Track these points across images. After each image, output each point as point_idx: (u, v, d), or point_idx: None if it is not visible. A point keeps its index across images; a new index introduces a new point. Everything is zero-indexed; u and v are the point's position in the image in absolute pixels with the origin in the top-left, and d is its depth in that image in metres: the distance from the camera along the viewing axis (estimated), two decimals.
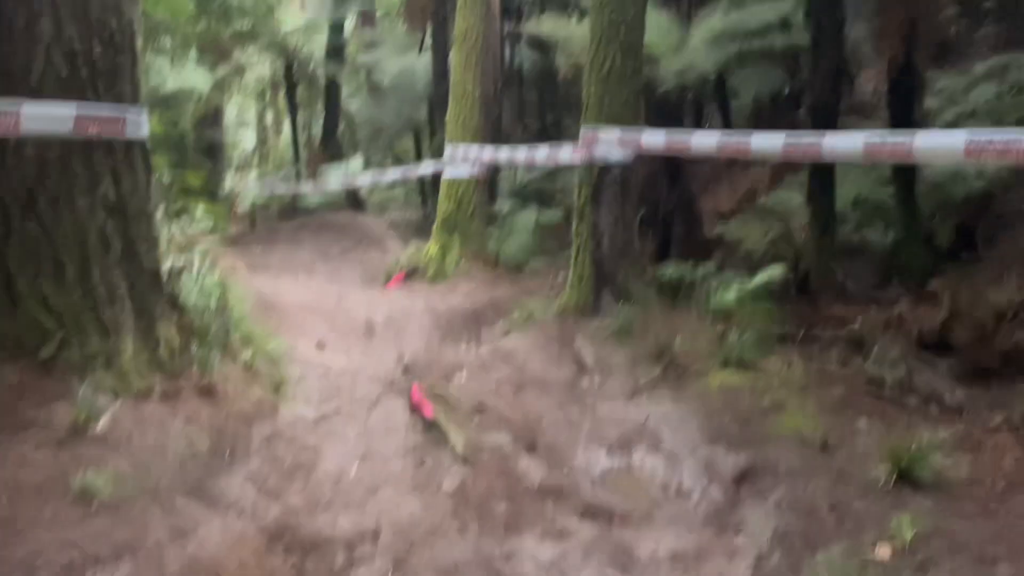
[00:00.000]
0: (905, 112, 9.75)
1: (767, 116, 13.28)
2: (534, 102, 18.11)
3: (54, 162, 5.93)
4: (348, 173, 19.78)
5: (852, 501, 5.06)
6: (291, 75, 24.11)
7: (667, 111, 11.10)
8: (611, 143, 9.50)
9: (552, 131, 17.20)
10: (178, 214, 9.79)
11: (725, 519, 5.23)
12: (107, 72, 6.23)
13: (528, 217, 14.30)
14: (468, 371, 7.87)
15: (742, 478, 5.61)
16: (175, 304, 6.72)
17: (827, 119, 9.56)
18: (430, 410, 6.73)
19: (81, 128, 5.89)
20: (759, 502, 5.34)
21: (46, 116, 5.74)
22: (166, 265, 6.91)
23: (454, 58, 15.33)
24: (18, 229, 5.91)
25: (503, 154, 13.07)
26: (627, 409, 6.97)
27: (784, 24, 11.29)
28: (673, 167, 11.07)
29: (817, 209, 9.99)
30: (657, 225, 10.78)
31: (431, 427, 6.51)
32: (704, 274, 9.49)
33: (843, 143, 7.35)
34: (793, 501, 5.23)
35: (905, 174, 9.61)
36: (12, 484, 4.82)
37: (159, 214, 7.19)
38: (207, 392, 6.29)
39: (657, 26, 10.76)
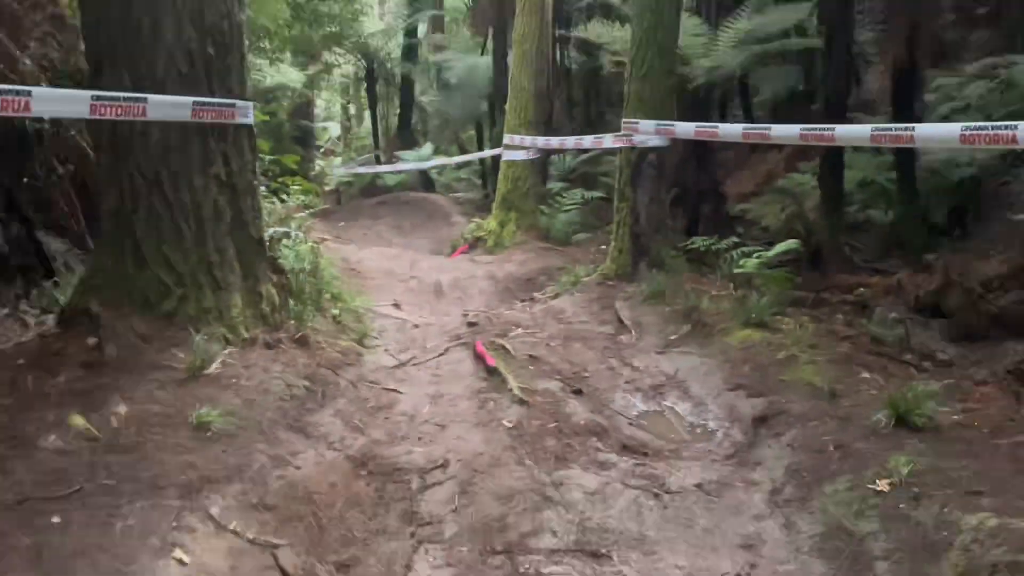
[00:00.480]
0: (907, 107, 9.68)
1: (784, 110, 13.21)
2: (581, 97, 17.97)
3: (175, 145, 6.01)
4: (420, 157, 19.82)
5: (855, 442, 5.04)
6: (372, 73, 24.17)
7: (697, 105, 11.02)
8: (649, 132, 9.48)
9: (597, 123, 17.14)
10: (276, 191, 9.85)
11: (744, 456, 5.26)
12: (219, 69, 6.31)
13: (575, 196, 14.27)
14: (523, 327, 7.89)
15: (760, 421, 5.61)
16: (275, 267, 6.81)
17: (838, 113, 9.51)
18: (491, 359, 6.76)
19: (197, 116, 5.96)
20: (774, 441, 5.34)
21: (168, 104, 5.80)
22: (268, 234, 6.97)
23: (513, 59, 15.29)
24: (144, 202, 6.01)
25: (554, 141, 13.03)
26: (659, 361, 6.98)
27: (800, 28, 11.19)
28: (701, 154, 11.02)
29: (827, 190, 9.94)
30: (687, 204, 10.73)
31: (492, 374, 6.53)
32: (727, 246, 9.45)
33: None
34: (804, 441, 5.21)
35: (905, 161, 9.56)
36: (140, 417, 4.91)
37: (262, 190, 7.26)
38: (302, 342, 6.38)
39: (689, 30, 10.69)
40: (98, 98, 5.31)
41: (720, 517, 4.54)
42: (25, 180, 7.10)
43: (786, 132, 8.47)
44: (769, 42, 11.12)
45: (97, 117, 5.47)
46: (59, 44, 7.57)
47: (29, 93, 5.00)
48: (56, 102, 5.52)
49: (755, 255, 8.77)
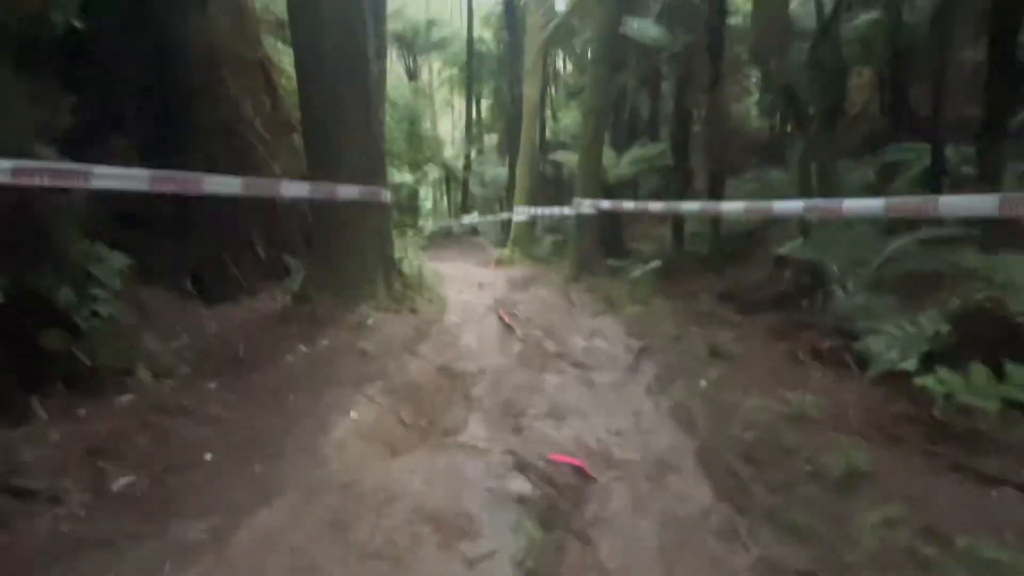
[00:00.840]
0: (718, 197, 9.60)
1: (654, 196, 13.12)
2: (552, 188, 17.88)
3: (353, 211, 6.01)
4: (471, 218, 19.81)
5: (690, 363, 5.05)
6: (448, 176, 24.16)
7: (610, 191, 10.97)
8: (586, 205, 9.49)
9: (562, 200, 17.11)
10: (400, 234, 9.86)
11: (634, 368, 5.24)
12: (374, 170, 6.32)
13: (548, 238, 14.27)
14: (523, 304, 7.91)
15: (641, 351, 5.60)
16: (400, 272, 6.82)
17: (679, 199, 9.45)
18: (508, 319, 6.80)
19: (363, 196, 5.99)
20: (648, 361, 5.34)
21: (348, 190, 5.85)
22: (396, 256, 7.01)
23: (518, 168, 15.30)
24: (336, 240, 6.03)
25: (540, 210, 13.09)
26: (591, 321, 6.98)
27: (663, 155, 11.10)
28: (613, 217, 10.98)
29: (675, 236, 9.93)
30: (605, 242, 10.68)
31: (507, 327, 6.55)
32: (626, 264, 9.46)
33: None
34: (663, 362, 5.22)
35: (715, 221, 9.37)
36: (333, 347, 4.96)
37: (394, 233, 7.30)
38: (412, 311, 6.37)
39: (607, 154, 10.68)
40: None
41: (620, 398, 4.55)
42: (273, 226, 7.16)
43: (657, 207, 8.48)
44: (647, 161, 11.11)
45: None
46: (293, 158, 7.62)
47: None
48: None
49: (639, 268, 8.80)
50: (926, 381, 3.46)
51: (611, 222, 10.81)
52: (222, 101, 6.65)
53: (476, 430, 3.89)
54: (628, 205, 9.72)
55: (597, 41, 10.22)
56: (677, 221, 9.89)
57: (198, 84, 6.31)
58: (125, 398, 3.61)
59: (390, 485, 2.95)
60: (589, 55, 12.54)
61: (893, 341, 4.05)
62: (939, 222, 4.91)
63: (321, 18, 5.77)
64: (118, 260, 4.03)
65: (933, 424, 3.44)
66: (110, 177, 3.59)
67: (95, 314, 3.71)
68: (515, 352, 5.66)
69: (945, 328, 3.86)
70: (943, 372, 3.43)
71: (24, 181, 3.12)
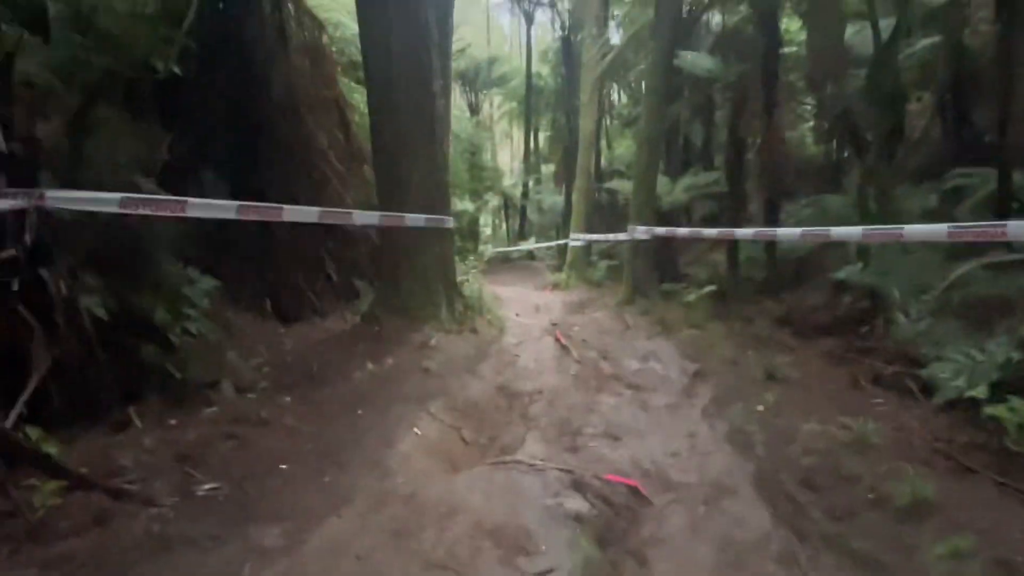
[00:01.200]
0: (773, 221, 9.37)
1: (708, 223, 12.87)
2: (607, 215, 17.75)
3: (420, 236, 6.11)
4: (528, 244, 19.90)
5: (746, 386, 4.93)
6: (506, 204, 24.42)
7: (664, 217, 10.81)
8: (641, 231, 9.43)
9: (616, 227, 16.99)
10: (462, 259, 9.99)
11: (689, 391, 5.12)
12: (438, 199, 6.43)
13: (604, 263, 14.18)
14: (578, 326, 7.87)
15: (696, 374, 5.47)
16: (461, 295, 6.88)
17: (728, 225, 9.25)
18: (564, 340, 6.76)
19: (428, 223, 6.12)
20: (704, 384, 5.22)
21: (414, 218, 5.98)
22: (458, 279, 7.09)
23: (574, 196, 15.34)
24: (404, 263, 6.15)
25: (595, 236, 13.04)
26: (646, 343, 6.85)
27: (717, 182, 10.85)
28: (667, 242, 10.81)
29: (730, 259, 9.73)
30: (660, 266, 10.50)
31: (563, 348, 6.50)
32: (680, 288, 9.31)
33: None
34: (719, 385, 5.09)
35: (770, 245, 9.11)
36: (398, 365, 5.05)
37: (456, 258, 7.40)
38: (473, 332, 6.42)
39: (661, 181, 10.58)
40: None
41: (676, 420, 4.45)
42: (344, 251, 7.36)
43: (711, 233, 8.33)
44: (701, 188, 10.93)
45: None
46: (363, 187, 7.85)
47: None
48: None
49: (693, 293, 8.64)
50: (997, 410, 3.28)
51: (665, 247, 10.67)
52: (300, 136, 6.97)
53: (533, 448, 3.88)
54: (682, 231, 9.59)
55: (651, 73, 10.21)
56: (732, 246, 9.68)
57: (279, 121, 6.63)
58: (211, 410, 3.78)
59: (452, 499, 2.98)
60: (643, 86, 12.53)
61: (960, 368, 3.85)
62: (1007, 247, 4.65)
63: (391, 59, 5.99)
64: (207, 282, 4.26)
65: (1004, 454, 3.23)
66: (203, 207, 3.82)
67: (186, 331, 3.91)
68: (571, 373, 5.62)
69: (1017, 355, 3.64)
70: (1015, 401, 3.24)
71: (130, 211, 3.35)
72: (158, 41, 4.38)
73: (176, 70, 4.49)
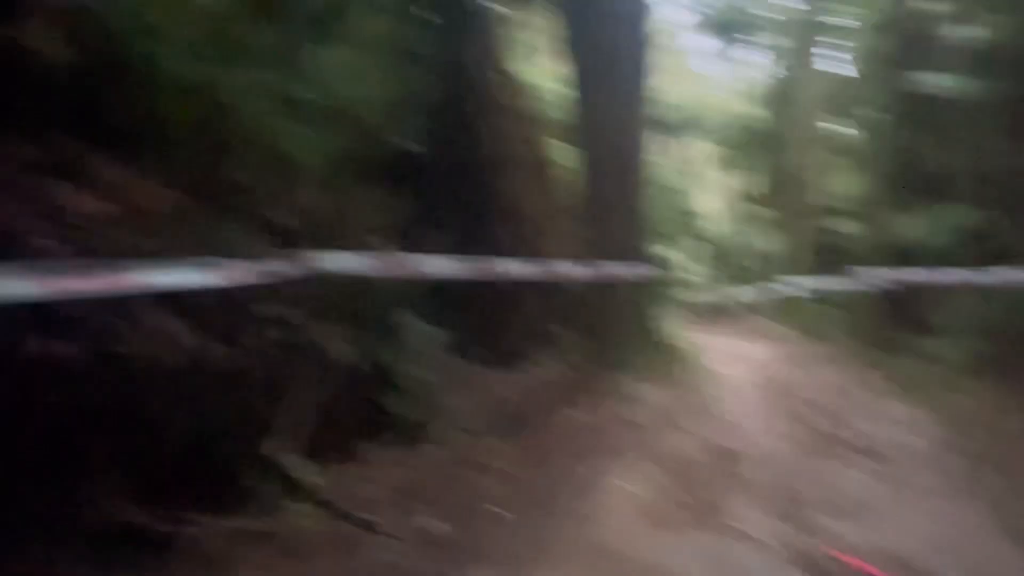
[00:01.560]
0: None
1: (957, 264, 10.98)
2: (830, 260, 16.07)
3: (619, 285, 6.24)
4: (740, 290, 18.76)
5: (1020, 466, 4.07)
6: (715, 250, 23.39)
7: (901, 259, 9.49)
8: (872, 275, 8.43)
9: (842, 270, 15.36)
10: (667, 307, 9.78)
11: (942, 465, 4.33)
12: (638, 248, 6.50)
13: (827, 311, 12.82)
14: (795, 381, 7.21)
15: (953, 446, 4.63)
16: (666, 344, 6.74)
17: None
18: (775, 395, 6.29)
19: (629, 272, 6.19)
20: (965, 458, 4.36)
21: (615, 267, 6.10)
22: (661, 328, 6.96)
23: (789, 240, 14.32)
24: (603, 313, 6.29)
25: (816, 281, 11.92)
26: (884, 404, 5.97)
27: (968, 215, 9.25)
28: (909, 289, 9.45)
29: (999, 308, 8.20)
30: (898, 312, 9.18)
31: (774, 403, 6.05)
32: (926, 341, 8.02)
33: None
34: (987, 461, 4.23)
35: None
36: (598, 417, 5.06)
37: (660, 307, 7.29)
38: (676, 383, 6.27)
39: (896, 217, 9.37)
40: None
41: (924, 500, 3.83)
42: (547, 299, 7.59)
43: (971, 277, 7.12)
44: (949, 224, 9.41)
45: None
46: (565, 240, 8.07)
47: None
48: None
49: (946, 347, 7.42)
50: None
51: (904, 293, 9.43)
52: (510, 197, 7.48)
53: (742, 511, 3.62)
54: (925, 274, 8.39)
55: (880, 102, 9.31)
56: (1003, 293, 8.10)
57: (492, 185, 7.21)
58: (434, 450, 4.16)
59: (661, 560, 2.91)
60: (870, 118, 11.42)
61: None
62: None
63: (598, 117, 6.33)
64: (431, 332, 4.74)
65: None
66: (436, 266, 4.33)
67: (413, 377, 4.38)
68: (785, 432, 5.19)
69: None
70: None
71: (375, 272, 3.89)
72: (397, 122, 5.02)
73: (415, 148, 5.11)
